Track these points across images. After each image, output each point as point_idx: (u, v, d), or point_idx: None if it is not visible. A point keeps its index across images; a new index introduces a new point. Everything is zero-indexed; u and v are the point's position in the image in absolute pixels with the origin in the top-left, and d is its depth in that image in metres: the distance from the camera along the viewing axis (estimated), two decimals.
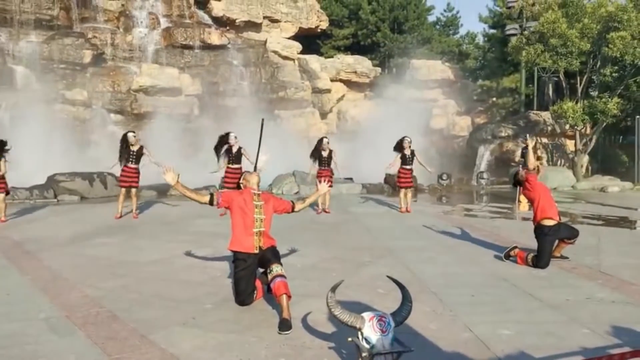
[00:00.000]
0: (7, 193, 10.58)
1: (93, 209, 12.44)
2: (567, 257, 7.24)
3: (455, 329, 4.63)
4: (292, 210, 5.42)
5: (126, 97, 21.77)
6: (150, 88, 21.96)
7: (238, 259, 5.06)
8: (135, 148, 10.87)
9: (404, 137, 12.09)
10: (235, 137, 11.39)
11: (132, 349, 4.12)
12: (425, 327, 4.58)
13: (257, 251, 5.01)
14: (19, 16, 21.28)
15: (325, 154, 11.91)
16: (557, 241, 7.17)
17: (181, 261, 7.10)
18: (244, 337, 4.37)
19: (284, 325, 4.50)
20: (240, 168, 11.22)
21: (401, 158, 12.02)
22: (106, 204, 12.92)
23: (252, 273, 5.09)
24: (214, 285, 5.88)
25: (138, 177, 11.07)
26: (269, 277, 4.85)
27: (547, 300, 5.44)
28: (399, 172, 12.17)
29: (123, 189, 11.01)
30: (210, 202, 5.09)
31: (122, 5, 23.85)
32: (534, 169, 7.43)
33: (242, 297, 5.09)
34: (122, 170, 11.02)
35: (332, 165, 11.97)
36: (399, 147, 12.06)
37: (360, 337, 3.06)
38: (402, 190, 12.21)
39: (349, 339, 3.13)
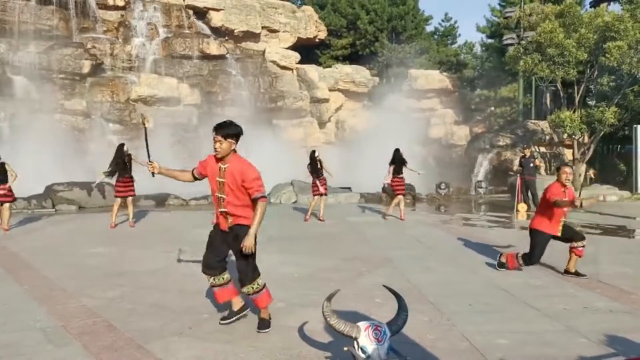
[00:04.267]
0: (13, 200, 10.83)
1: (91, 219, 12.43)
2: (584, 275, 6.81)
3: (452, 338, 4.62)
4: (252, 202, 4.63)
5: (125, 107, 21.80)
6: (149, 98, 22.01)
7: (214, 226, 4.87)
8: (127, 159, 11.13)
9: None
10: None
11: (129, 358, 4.11)
12: (423, 337, 4.57)
13: (228, 230, 4.68)
14: (18, 27, 21.34)
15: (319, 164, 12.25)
16: (568, 249, 6.97)
17: (178, 271, 7.09)
18: (240, 347, 4.36)
19: (262, 324, 4.69)
20: None
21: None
22: (104, 213, 12.90)
23: (222, 242, 4.76)
24: (210, 295, 5.86)
25: (134, 186, 11.27)
26: (246, 293, 4.79)
27: (544, 310, 5.43)
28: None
29: (118, 199, 11.14)
30: (194, 177, 4.88)
31: (122, 15, 23.95)
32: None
33: (207, 261, 4.77)
34: (117, 181, 11.17)
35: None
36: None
37: (356, 346, 3.05)
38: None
39: (345, 349, 3.12)
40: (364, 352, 2.99)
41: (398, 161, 12.34)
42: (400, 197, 12.47)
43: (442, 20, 40.53)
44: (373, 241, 9.62)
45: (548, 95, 25.09)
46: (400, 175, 12.47)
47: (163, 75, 22.88)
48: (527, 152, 15.86)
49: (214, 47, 24.13)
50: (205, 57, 23.96)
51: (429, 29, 39.30)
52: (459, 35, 45.58)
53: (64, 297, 5.76)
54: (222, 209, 4.64)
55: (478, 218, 13.84)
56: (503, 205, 16.43)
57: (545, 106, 25.13)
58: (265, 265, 7.48)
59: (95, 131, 21.12)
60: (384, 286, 3.74)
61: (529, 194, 15.14)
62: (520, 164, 15.69)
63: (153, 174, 4.84)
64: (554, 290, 6.27)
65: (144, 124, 5.37)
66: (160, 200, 15.36)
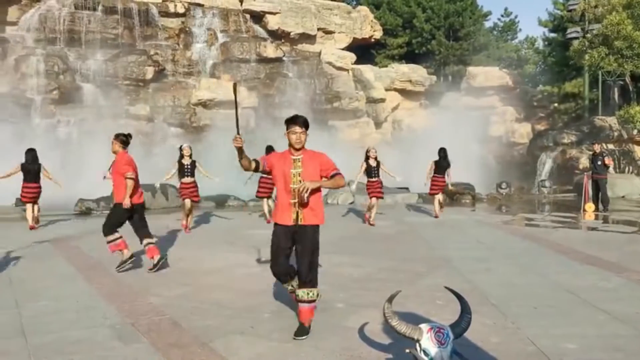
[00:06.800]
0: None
1: (155, 220, 12.80)
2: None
3: (517, 342, 4.49)
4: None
5: (186, 111, 22.47)
6: (208, 102, 22.57)
7: (274, 231, 4.68)
8: (187, 162, 10.85)
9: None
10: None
11: (193, 356, 4.22)
12: (486, 340, 4.46)
13: (293, 223, 4.52)
14: (86, 36, 22.40)
15: (373, 163, 11.70)
16: None
17: (239, 270, 7.23)
18: (301, 347, 4.40)
19: (300, 331, 4.59)
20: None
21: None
22: (167, 214, 13.32)
23: (285, 248, 4.61)
24: (271, 295, 5.95)
25: (196, 191, 11.02)
26: (296, 297, 4.73)
27: (614, 313, 5.19)
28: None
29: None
30: (256, 169, 4.81)
31: (182, 22, 24.70)
32: None
33: (275, 268, 4.66)
34: (180, 186, 11.02)
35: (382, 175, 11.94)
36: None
37: (418, 348, 3.01)
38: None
39: (407, 350, 3.08)
40: (426, 354, 2.95)
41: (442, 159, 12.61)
42: (435, 195, 12.86)
43: (502, 15, 39.62)
44: (431, 242, 9.48)
45: (616, 89, 23.98)
46: (440, 175, 12.64)
47: (222, 79, 23.42)
48: (597, 148, 15.07)
49: (270, 50, 24.50)
50: (262, 60, 24.36)
51: (488, 24, 38.54)
52: (520, 30, 44.38)
53: (132, 296, 5.98)
54: (297, 200, 4.47)
55: (542, 218, 13.39)
56: (569, 205, 15.83)
57: (613, 101, 24.04)
58: (323, 266, 7.54)
59: (158, 135, 21.84)
60: (446, 287, 3.68)
61: (599, 193, 14.46)
62: (592, 161, 15.00)
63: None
64: (625, 292, 5.99)
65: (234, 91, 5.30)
66: (221, 202, 15.71)
